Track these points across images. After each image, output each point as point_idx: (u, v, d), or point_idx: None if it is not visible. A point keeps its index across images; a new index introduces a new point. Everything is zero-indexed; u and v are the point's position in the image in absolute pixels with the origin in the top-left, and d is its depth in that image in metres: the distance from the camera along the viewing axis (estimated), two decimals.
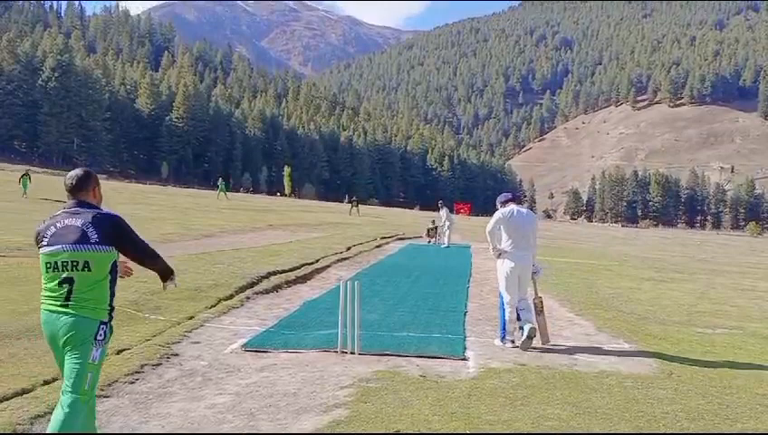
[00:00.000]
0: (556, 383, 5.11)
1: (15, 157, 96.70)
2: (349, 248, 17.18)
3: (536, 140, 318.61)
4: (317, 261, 13.51)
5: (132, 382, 4.82)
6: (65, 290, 3.17)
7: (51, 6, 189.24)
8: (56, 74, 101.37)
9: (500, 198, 6.96)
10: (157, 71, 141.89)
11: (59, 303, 3.18)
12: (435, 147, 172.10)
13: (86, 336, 3.19)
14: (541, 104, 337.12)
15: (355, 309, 6.06)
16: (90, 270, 3.19)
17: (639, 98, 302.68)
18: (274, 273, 10.97)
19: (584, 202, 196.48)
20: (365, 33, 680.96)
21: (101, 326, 3.26)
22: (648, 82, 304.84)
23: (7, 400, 4.18)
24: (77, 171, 3.48)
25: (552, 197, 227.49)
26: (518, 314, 6.54)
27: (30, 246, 12.17)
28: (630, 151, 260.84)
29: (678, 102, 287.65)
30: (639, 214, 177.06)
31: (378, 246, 19.51)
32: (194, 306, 7.82)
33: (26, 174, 31.85)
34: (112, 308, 3.39)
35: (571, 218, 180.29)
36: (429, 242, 22.13)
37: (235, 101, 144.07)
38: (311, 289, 10.31)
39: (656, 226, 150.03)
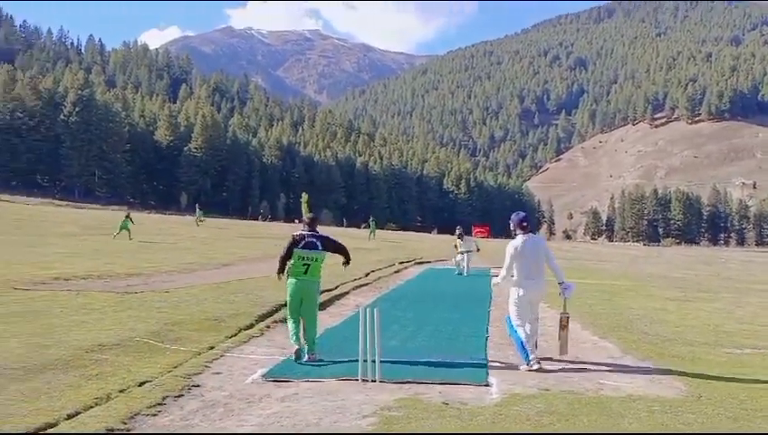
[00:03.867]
0: (582, 409, 5.02)
1: (37, 191, 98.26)
2: (367, 274, 17.13)
3: (553, 161, 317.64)
4: (336, 287, 13.48)
5: (155, 415, 4.80)
6: (306, 268, 6.86)
7: (72, 43, 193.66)
8: (77, 109, 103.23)
9: (515, 218, 7.13)
10: (175, 102, 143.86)
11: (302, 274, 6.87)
12: (451, 170, 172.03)
13: (314, 290, 6.99)
14: (556, 125, 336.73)
15: (375, 336, 6.02)
16: (317, 261, 6.91)
17: (657, 115, 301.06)
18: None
19: (604, 222, 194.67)
20: (379, 59, 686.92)
21: (317, 284, 7.08)
22: (664, 100, 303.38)
23: None
24: (311, 214, 7.48)
25: (571, 217, 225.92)
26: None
27: (54, 279, 12.31)
28: (649, 169, 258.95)
29: (697, 119, 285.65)
30: (661, 232, 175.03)
31: (396, 271, 19.43)
32: (214, 336, 7.82)
33: (128, 216, 29.51)
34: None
35: (592, 238, 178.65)
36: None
37: (252, 130, 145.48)
38: (330, 316, 10.26)
39: (678, 244, 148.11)
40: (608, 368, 6.65)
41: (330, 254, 7.14)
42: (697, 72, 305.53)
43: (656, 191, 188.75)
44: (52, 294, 10.47)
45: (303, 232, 7.05)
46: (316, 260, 6.89)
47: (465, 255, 19.41)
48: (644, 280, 19.85)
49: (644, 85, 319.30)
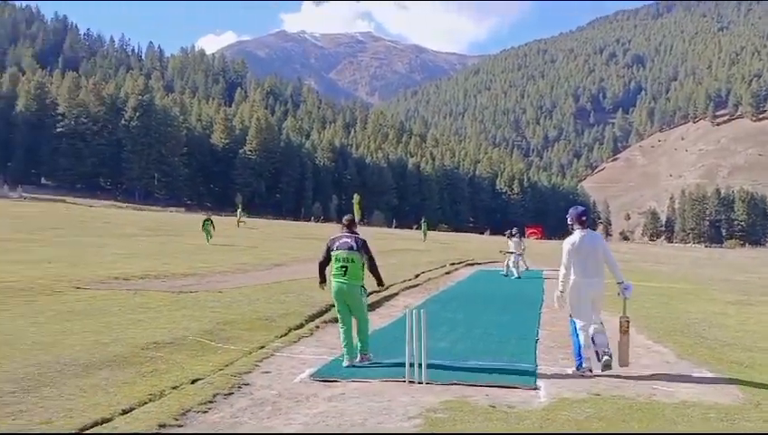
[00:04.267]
0: (633, 415, 4.90)
1: (101, 193, 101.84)
2: (417, 275, 17.12)
3: (609, 160, 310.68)
4: (385, 288, 13.50)
5: (205, 412, 4.92)
6: (344, 270, 6.74)
7: (133, 49, 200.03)
8: (138, 114, 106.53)
9: (572, 212, 6.82)
10: (230, 106, 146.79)
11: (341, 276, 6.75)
12: (504, 170, 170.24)
13: (356, 293, 6.76)
14: (613, 123, 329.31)
15: (422, 338, 6.02)
16: (353, 262, 6.76)
17: (719, 113, 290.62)
18: None
19: (663, 222, 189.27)
20: (431, 60, 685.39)
21: (361, 287, 6.82)
22: (727, 96, 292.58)
23: (88, 428, 4.34)
24: (349, 216, 7.29)
25: (628, 218, 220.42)
26: (593, 339, 6.33)
27: (114, 279, 12.74)
28: (711, 169, 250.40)
29: (761, 116, 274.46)
30: (724, 233, 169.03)
31: (447, 273, 19.35)
32: (265, 336, 7.95)
33: (208, 219, 29.23)
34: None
35: (650, 240, 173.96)
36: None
37: (305, 133, 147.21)
38: (379, 317, 10.31)
39: (742, 245, 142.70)
40: (662, 373, 6.47)
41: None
42: (762, 67, 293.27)
43: (718, 191, 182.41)
44: (112, 293, 10.84)
45: (339, 234, 7.05)
46: (353, 261, 6.75)
47: (514, 257, 19.11)
48: (704, 283, 19.22)
49: (705, 82, 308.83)
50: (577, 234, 6.58)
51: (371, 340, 8.14)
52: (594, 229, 7.66)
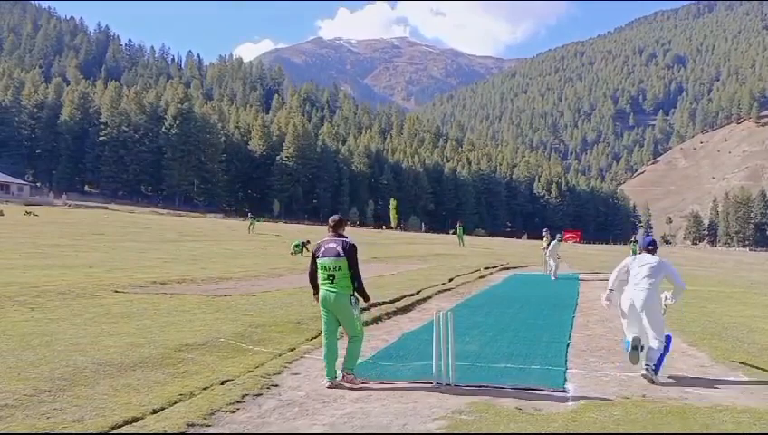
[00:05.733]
0: (663, 418, 4.82)
1: (142, 200, 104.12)
2: (451, 279, 17.06)
3: (650, 163, 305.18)
4: (418, 292, 13.51)
5: (233, 412, 5.00)
6: (331, 279, 5.98)
7: (172, 58, 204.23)
8: (177, 121, 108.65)
9: (640, 242, 7.91)
10: (268, 113, 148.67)
11: (329, 285, 6.01)
12: (542, 174, 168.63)
13: (344, 303, 5.99)
14: (653, 125, 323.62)
15: (449, 340, 6.01)
16: (341, 269, 5.97)
17: (763, 113, 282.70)
18: (375, 305, 11.03)
19: (706, 226, 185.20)
20: (467, 64, 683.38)
21: (351, 296, 6.03)
22: None
23: (119, 427, 4.44)
24: (336, 216, 6.37)
25: (670, 221, 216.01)
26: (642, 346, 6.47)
27: (151, 283, 13.00)
28: (756, 170, 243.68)
29: None
30: None
31: (481, 277, 19.24)
32: (296, 338, 8.02)
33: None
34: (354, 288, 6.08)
35: (692, 243, 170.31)
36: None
37: (341, 139, 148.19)
38: (410, 321, 10.32)
39: None
40: (695, 377, 6.34)
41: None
42: None
43: (763, 193, 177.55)
44: (149, 296, 11.06)
45: (324, 238, 6.25)
46: (340, 269, 5.98)
47: (551, 259, 19.30)
48: (746, 287, 18.72)
49: (749, 81, 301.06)
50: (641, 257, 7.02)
51: (401, 343, 8.18)
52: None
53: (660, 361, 6.32)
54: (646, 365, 6.26)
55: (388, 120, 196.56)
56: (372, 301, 11.15)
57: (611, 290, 6.92)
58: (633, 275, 6.78)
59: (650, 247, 7.08)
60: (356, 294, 6.09)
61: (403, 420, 4.85)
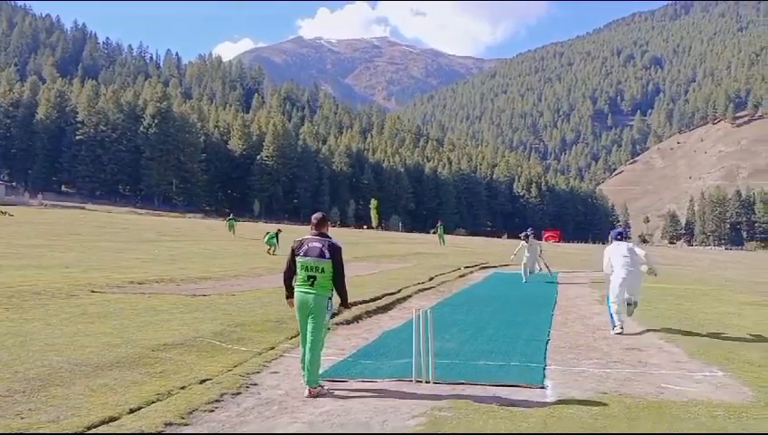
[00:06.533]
0: (639, 413, 4.87)
1: (120, 200, 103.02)
2: (431, 278, 17.10)
3: (628, 163, 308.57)
4: (399, 291, 13.51)
5: (212, 411, 4.96)
6: (311, 281, 5.62)
7: (151, 57, 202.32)
8: (156, 121, 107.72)
9: (612, 233, 10.11)
10: (247, 113, 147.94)
11: (308, 287, 5.64)
12: (521, 174, 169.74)
13: (322, 305, 5.64)
14: (631, 126, 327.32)
15: (429, 338, 6.02)
16: (323, 272, 5.63)
17: (739, 114, 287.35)
18: (355, 303, 11.03)
19: (683, 225, 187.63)
20: (447, 64, 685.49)
21: (329, 300, 5.70)
22: (747, 97, 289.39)
23: (95, 427, 4.39)
24: (320, 214, 6.00)
25: (647, 221, 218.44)
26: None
27: (129, 282, 12.87)
28: (731, 170, 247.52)
29: None
30: (745, 236, 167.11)
31: (461, 276, 19.30)
32: (275, 337, 7.99)
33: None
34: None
35: (670, 243, 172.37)
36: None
37: (321, 138, 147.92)
38: (391, 319, 10.33)
39: (764, 247, 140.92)
40: (671, 372, 6.41)
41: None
42: None
43: (739, 193, 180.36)
44: (126, 296, 10.94)
45: (307, 236, 5.85)
46: (322, 271, 5.63)
47: (531, 258, 18.22)
48: (721, 284, 18.99)
49: (725, 82, 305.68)
50: (614, 242, 9.69)
51: (380, 341, 8.18)
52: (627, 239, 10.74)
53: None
54: (621, 325, 9.07)
55: (368, 119, 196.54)
56: (352, 300, 11.22)
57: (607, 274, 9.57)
58: (617, 260, 9.24)
59: (619, 237, 9.70)
60: (332, 298, 5.77)
61: (383, 416, 4.84)
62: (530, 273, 18.28)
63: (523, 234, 18.84)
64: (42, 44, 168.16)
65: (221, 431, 4.54)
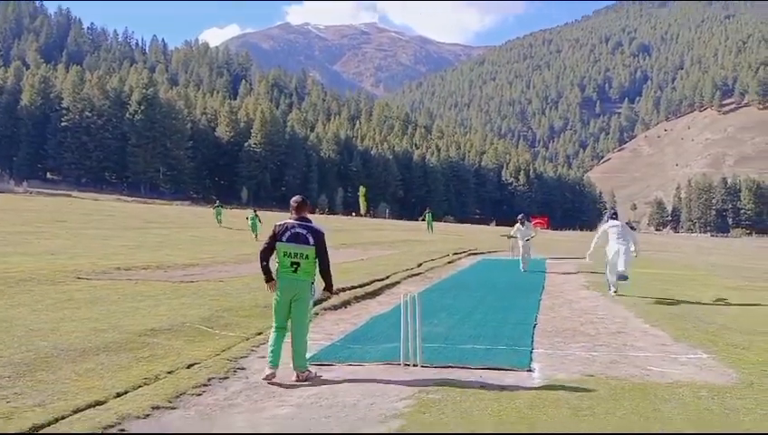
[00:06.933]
0: (624, 394, 4.91)
1: (106, 187, 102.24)
2: (420, 265, 17.14)
3: (616, 151, 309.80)
4: (387, 277, 13.55)
5: (199, 395, 4.95)
6: (295, 267, 5.53)
7: (136, 43, 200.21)
8: (142, 107, 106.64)
9: (606, 216, 13.16)
10: (235, 99, 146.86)
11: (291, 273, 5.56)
12: (510, 162, 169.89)
13: (306, 291, 5.58)
14: (619, 113, 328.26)
15: (417, 322, 6.03)
16: (307, 258, 5.55)
17: (725, 102, 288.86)
18: (344, 289, 11.06)
19: (669, 212, 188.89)
20: (435, 51, 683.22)
21: (312, 284, 5.62)
22: (734, 85, 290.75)
23: (81, 411, 4.36)
24: (299, 197, 5.89)
25: (634, 208, 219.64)
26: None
27: (116, 269, 12.80)
28: (718, 158, 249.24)
29: None
30: (730, 223, 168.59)
31: (449, 262, 19.37)
32: (263, 322, 7.96)
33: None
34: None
35: (656, 229, 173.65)
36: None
37: (309, 125, 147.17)
38: (379, 304, 10.35)
39: (749, 234, 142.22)
40: (657, 355, 6.48)
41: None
42: None
43: (725, 180, 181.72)
44: (113, 283, 10.90)
45: (289, 221, 5.71)
46: (306, 257, 5.54)
47: (524, 245, 17.37)
48: (707, 270, 19.18)
49: (712, 70, 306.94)
50: (610, 222, 12.25)
51: (369, 326, 8.20)
52: (600, 221, 11.49)
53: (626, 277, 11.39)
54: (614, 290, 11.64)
55: (357, 106, 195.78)
56: (340, 286, 11.22)
57: (591, 251, 12.54)
58: (612, 235, 11.82)
59: (614, 216, 12.59)
60: (314, 283, 5.66)
61: (371, 399, 4.86)
62: (528, 258, 17.57)
63: (521, 215, 18.39)
64: (25, 30, 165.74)
65: (210, 413, 4.53)
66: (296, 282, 5.54)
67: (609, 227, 11.86)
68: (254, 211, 30.35)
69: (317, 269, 5.66)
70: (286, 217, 5.91)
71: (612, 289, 11.62)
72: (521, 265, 17.20)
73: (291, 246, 5.52)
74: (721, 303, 10.94)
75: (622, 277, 11.26)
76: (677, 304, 10.39)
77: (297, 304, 5.57)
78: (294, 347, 5.54)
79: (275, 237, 5.59)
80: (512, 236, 18.69)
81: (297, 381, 5.45)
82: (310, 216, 5.89)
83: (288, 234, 5.55)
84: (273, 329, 5.68)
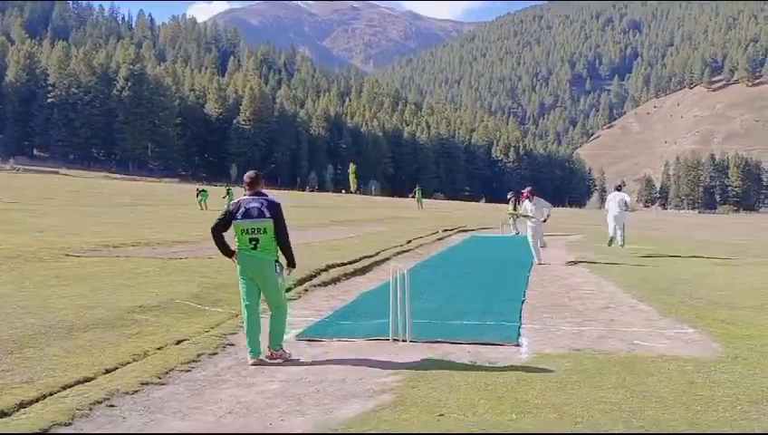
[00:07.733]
0: (611, 368, 4.96)
1: (94, 164, 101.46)
2: (409, 241, 17.16)
3: (605, 127, 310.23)
4: (377, 254, 13.55)
5: (188, 370, 4.97)
6: (254, 243, 5.31)
7: (123, 18, 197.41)
8: (129, 83, 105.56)
9: (615, 187, 17.78)
10: (223, 75, 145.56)
11: (250, 250, 5.35)
12: (500, 138, 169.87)
13: (270, 269, 5.36)
14: (609, 90, 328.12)
15: (406, 298, 6.05)
16: (265, 232, 5.32)
17: (715, 78, 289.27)
18: (333, 266, 11.07)
19: (658, 189, 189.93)
20: (426, 27, 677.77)
21: (276, 263, 5.40)
22: (723, 62, 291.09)
23: (70, 387, 4.36)
24: (252, 172, 5.66)
25: (623, 184, 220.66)
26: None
27: (104, 246, 12.74)
28: (707, 135, 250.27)
29: (757, 81, 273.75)
30: (718, 199, 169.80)
31: (439, 239, 19.41)
32: None
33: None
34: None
35: (645, 206, 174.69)
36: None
37: (299, 102, 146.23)
38: (369, 281, 10.38)
39: (736, 211, 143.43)
40: (643, 330, 6.54)
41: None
42: (759, 31, 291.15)
43: (713, 157, 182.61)
44: (101, 260, 10.85)
45: (243, 198, 5.51)
46: (264, 231, 5.32)
47: (534, 228, 13.69)
48: (695, 246, 19.32)
49: (701, 47, 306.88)
50: (614, 192, 16.49)
51: (358, 303, 8.22)
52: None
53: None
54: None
55: (346, 83, 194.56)
56: (330, 262, 11.23)
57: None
58: (613, 203, 15.90)
59: (618, 188, 16.91)
60: (280, 260, 5.45)
61: (359, 374, 4.88)
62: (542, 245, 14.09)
63: (528, 189, 14.55)
64: (9, 4, 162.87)
65: (199, 388, 4.54)
66: (256, 259, 5.34)
67: (612, 197, 16.41)
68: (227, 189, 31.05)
69: (275, 246, 5.42)
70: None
71: (613, 241, 16.44)
72: (534, 257, 13.33)
73: (246, 222, 5.31)
74: (709, 278, 11.04)
75: (613, 243, 16.40)
76: (664, 280, 10.48)
77: (267, 289, 5.43)
78: (271, 328, 5.43)
79: (229, 216, 5.40)
80: (524, 216, 14.69)
81: (270, 358, 5.33)
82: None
83: (242, 210, 5.34)
84: (243, 311, 5.50)
